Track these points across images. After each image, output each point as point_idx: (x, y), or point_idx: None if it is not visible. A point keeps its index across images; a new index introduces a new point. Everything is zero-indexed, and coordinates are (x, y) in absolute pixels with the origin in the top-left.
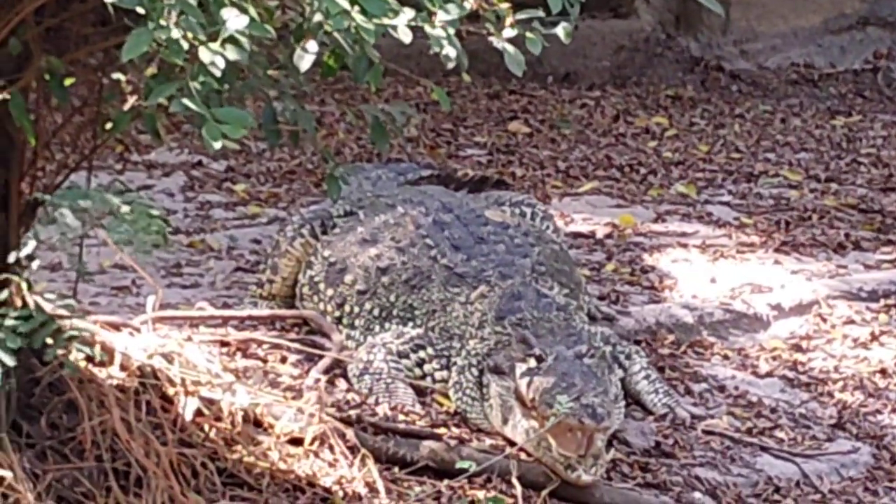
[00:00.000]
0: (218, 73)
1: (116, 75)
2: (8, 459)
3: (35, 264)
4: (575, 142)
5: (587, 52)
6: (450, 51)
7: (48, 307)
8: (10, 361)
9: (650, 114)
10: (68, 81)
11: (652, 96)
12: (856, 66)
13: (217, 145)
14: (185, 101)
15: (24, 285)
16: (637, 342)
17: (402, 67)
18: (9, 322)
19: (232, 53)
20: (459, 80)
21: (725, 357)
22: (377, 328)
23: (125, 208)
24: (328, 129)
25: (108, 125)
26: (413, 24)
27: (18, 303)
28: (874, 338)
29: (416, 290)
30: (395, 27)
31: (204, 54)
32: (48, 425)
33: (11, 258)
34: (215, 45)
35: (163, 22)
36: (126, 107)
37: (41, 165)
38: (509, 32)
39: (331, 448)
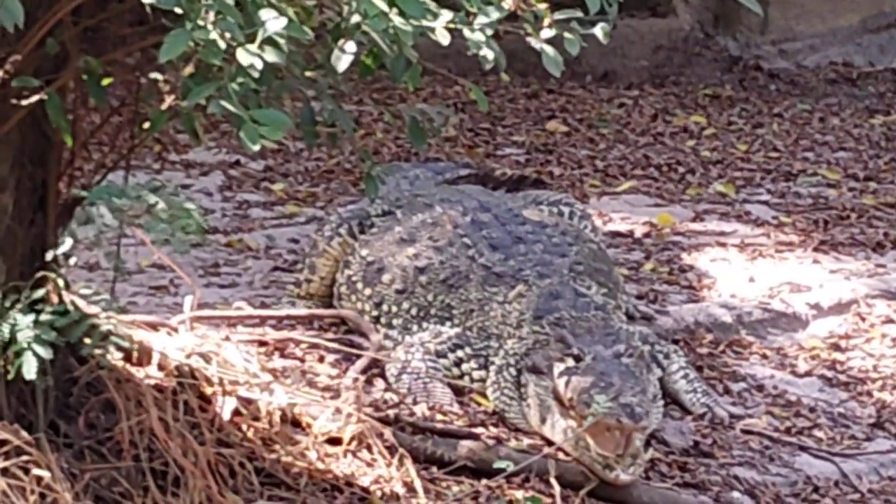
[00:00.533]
0: (256, 75)
1: (154, 75)
2: (46, 459)
3: (72, 261)
4: (613, 141)
5: (626, 52)
6: (488, 53)
7: (84, 306)
8: (45, 354)
9: (688, 113)
10: (106, 81)
11: (690, 95)
12: (895, 65)
13: (255, 147)
14: (224, 102)
15: (60, 283)
16: (675, 341)
17: (440, 67)
18: (44, 317)
19: (270, 55)
20: (498, 79)
21: (764, 356)
22: (415, 328)
23: (161, 205)
24: (366, 129)
25: (146, 125)
26: (451, 26)
27: (55, 300)
28: None
29: (453, 290)
30: (432, 29)
31: (242, 56)
32: (86, 425)
33: (49, 256)
34: (253, 47)
35: (200, 22)
36: (163, 106)
37: (79, 165)
38: (547, 33)
39: (369, 448)
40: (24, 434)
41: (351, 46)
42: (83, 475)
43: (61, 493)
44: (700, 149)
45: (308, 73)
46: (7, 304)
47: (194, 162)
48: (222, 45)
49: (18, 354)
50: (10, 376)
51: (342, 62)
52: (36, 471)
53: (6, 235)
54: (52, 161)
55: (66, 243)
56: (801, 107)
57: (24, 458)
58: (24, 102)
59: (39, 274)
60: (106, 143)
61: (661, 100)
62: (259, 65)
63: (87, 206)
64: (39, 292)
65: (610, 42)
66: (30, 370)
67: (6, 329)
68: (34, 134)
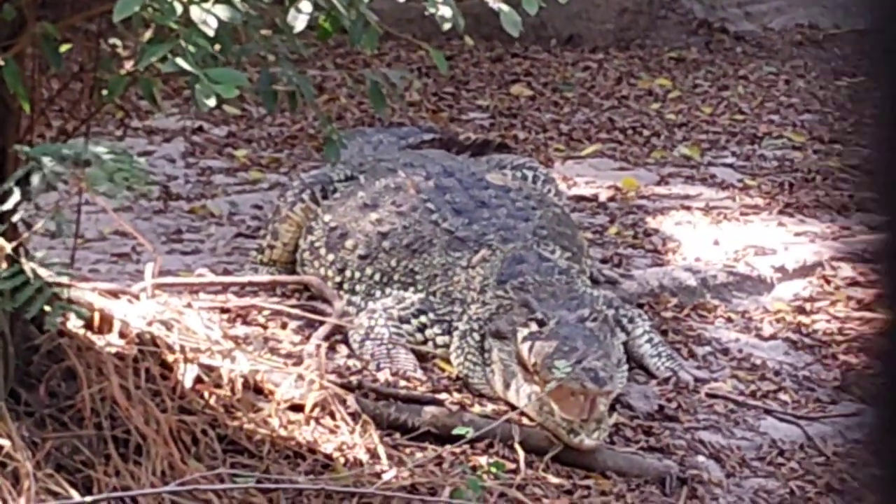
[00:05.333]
0: (210, 33)
1: (113, 41)
2: (6, 428)
3: (34, 229)
4: (578, 105)
5: (591, 15)
6: (445, 11)
7: (45, 274)
8: None
9: (653, 76)
10: (64, 48)
11: (655, 58)
12: (860, 27)
13: (210, 103)
14: (178, 60)
15: (7, 247)
16: (640, 305)
17: (404, 31)
18: None
19: (223, 12)
20: (462, 43)
21: (729, 320)
22: (378, 293)
23: (102, 150)
24: (329, 94)
25: (106, 91)
26: None
27: (3, 265)
28: None
29: (417, 255)
30: None
31: (195, 13)
32: (47, 393)
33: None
34: (207, 5)
35: None
36: (122, 72)
37: (39, 132)
38: None
39: (332, 414)
40: None
41: (306, 6)
42: (44, 443)
43: (22, 461)
44: (665, 112)
45: (265, 34)
46: None
47: (157, 129)
48: (178, 6)
49: None
50: None
51: (299, 21)
52: None
53: None
54: (11, 128)
55: (13, 198)
56: (767, 69)
57: None
58: None
59: None
60: (66, 110)
61: (626, 63)
62: (213, 22)
63: (43, 170)
64: None
65: (574, 5)
66: None
67: None
68: None
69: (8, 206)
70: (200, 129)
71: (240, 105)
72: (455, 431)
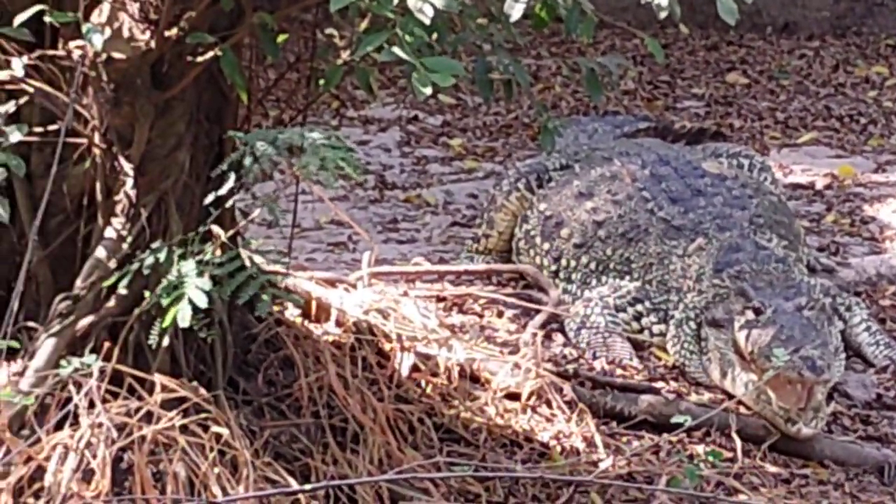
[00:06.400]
0: (427, 22)
1: (330, 31)
2: (225, 416)
3: (250, 218)
4: (794, 92)
5: (806, 2)
6: (661, 0)
7: (261, 262)
8: (201, 302)
9: (870, 63)
10: (281, 38)
11: (872, 46)
12: None
13: (427, 92)
14: (395, 49)
15: (223, 235)
16: (857, 294)
17: (618, 20)
18: (205, 267)
19: (440, 1)
20: (677, 31)
21: None
22: (594, 282)
23: (316, 136)
24: (544, 83)
25: (322, 81)
26: None
27: (218, 253)
28: None
29: (632, 244)
30: None
31: (412, 2)
32: (264, 382)
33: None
34: None
35: None
36: (339, 62)
37: (256, 122)
38: None
39: (548, 403)
40: (203, 391)
41: None
42: (262, 432)
43: (240, 449)
44: (882, 99)
45: (481, 23)
46: (177, 256)
47: (372, 118)
48: None
49: (178, 302)
50: (164, 324)
51: (515, 10)
52: (215, 428)
53: (183, 192)
54: (229, 118)
55: (227, 183)
56: None
57: (204, 415)
58: (200, 59)
59: (205, 228)
60: (282, 100)
61: (843, 50)
62: (429, 10)
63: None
64: (209, 246)
65: None
66: (184, 318)
67: (173, 278)
68: (210, 91)
69: (223, 191)
70: (415, 118)
71: (455, 94)
72: (673, 420)
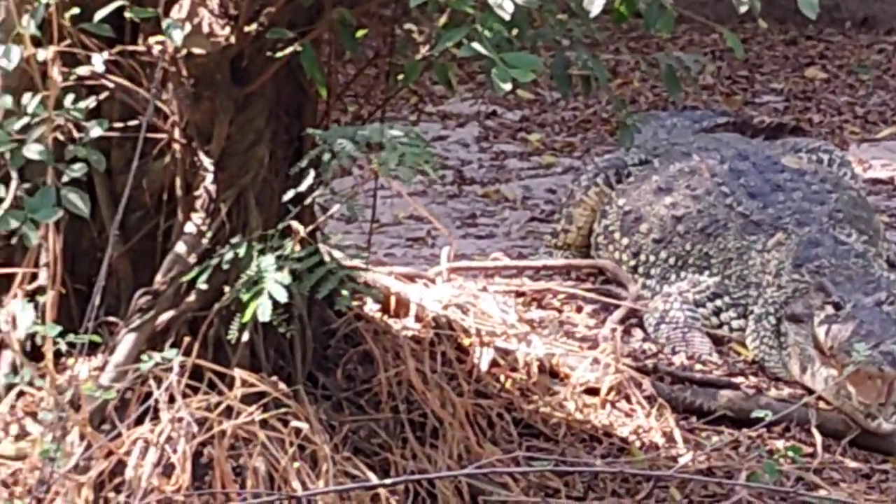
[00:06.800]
0: (506, 17)
1: (408, 26)
2: (304, 411)
3: (329, 213)
4: (873, 87)
5: None
6: None
7: (340, 257)
8: (281, 297)
9: None
10: (360, 33)
11: None
12: None
13: (506, 86)
14: (474, 44)
15: (303, 232)
16: None
17: (697, 14)
18: (285, 262)
19: None
20: (755, 26)
21: None
22: (673, 277)
23: (396, 133)
24: (623, 78)
25: (401, 76)
26: None
27: (298, 248)
28: None
29: (712, 239)
30: None
31: None
32: (344, 377)
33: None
34: None
35: None
36: (417, 57)
37: (335, 118)
38: None
39: (627, 398)
40: (283, 386)
41: None
42: (342, 427)
43: (320, 444)
44: None
45: (561, 18)
46: (257, 251)
47: (451, 113)
48: None
49: (257, 296)
50: (244, 319)
51: (595, 5)
52: (295, 422)
53: (262, 187)
54: (308, 113)
55: (306, 181)
56: None
57: (283, 410)
58: (279, 55)
59: (284, 223)
60: (361, 95)
61: None
62: (509, 6)
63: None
64: (288, 241)
65: None
66: (264, 312)
67: (252, 273)
68: (289, 86)
69: (302, 187)
70: (494, 113)
71: (533, 89)
72: (753, 415)
